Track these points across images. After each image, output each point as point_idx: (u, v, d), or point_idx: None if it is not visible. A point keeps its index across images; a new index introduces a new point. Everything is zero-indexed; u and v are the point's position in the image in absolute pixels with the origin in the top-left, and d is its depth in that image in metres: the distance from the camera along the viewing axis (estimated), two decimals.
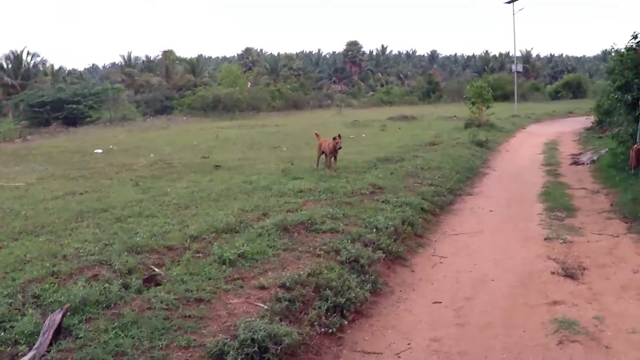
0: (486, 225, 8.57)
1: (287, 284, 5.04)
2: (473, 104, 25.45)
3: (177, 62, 67.51)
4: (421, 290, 5.92)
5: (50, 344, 3.80)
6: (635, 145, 10.99)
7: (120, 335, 3.97)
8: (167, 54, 65.40)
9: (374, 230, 7.04)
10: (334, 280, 5.29)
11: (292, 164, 13.58)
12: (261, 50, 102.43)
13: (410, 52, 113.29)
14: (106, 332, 4.00)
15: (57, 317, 3.97)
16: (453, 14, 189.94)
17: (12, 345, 3.84)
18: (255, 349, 3.88)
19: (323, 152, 12.21)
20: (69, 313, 4.19)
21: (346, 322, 4.92)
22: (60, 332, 3.95)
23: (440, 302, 5.56)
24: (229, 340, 3.93)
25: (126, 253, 5.78)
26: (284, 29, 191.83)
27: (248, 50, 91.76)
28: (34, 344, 3.78)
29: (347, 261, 5.91)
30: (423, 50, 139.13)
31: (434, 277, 6.31)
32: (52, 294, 4.64)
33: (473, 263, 6.75)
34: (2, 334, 3.96)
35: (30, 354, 3.67)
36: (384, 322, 5.14)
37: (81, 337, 3.93)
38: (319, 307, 4.88)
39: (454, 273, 6.42)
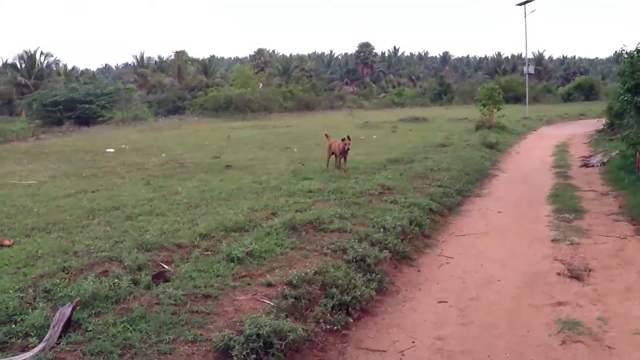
0: (494, 227, 8.56)
1: (294, 281, 5.10)
2: (484, 105, 25.34)
3: (190, 62, 67.98)
4: (427, 290, 5.95)
5: (60, 337, 3.88)
6: None
7: (128, 329, 4.04)
8: (180, 54, 65.91)
9: (382, 230, 7.07)
10: (340, 279, 5.34)
11: (303, 164, 13.65)
12: (273, 51, 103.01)
13: (423, 54, 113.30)
14: (115, 325, 4.08)
15: (67, 310, 4.06)
16: (465, 16, 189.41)
17: (23, 338, 3.94)
18: (260, 344, 3.92)
19: (333, 153, 12.26)
20: (78, 307, 4.28)
21: (351, 320, 4.95)
22: (69, 325, 4.04)
23: (446, 302, 5.58)
24: (234, 335, 3.98)
25: (136, 250, 5.86)
26: (296, 30, 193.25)
27: (260, 51, 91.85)
28: (44, 337, 3.87)
29: (354, 260, 5.95)
30: (435, 52, 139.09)
31: (440, 277, 6.34)
32: (62, 288, 4.73)
33: (479, 264, 6.76)
34: (14, 326, 4.05)
35: (40, 346, 3.76)
36: (389, 320, 5.18)
37: (90, 331, 4.01)
38: (325, 305, 4.92)
39: (460, 273, 6.44)
